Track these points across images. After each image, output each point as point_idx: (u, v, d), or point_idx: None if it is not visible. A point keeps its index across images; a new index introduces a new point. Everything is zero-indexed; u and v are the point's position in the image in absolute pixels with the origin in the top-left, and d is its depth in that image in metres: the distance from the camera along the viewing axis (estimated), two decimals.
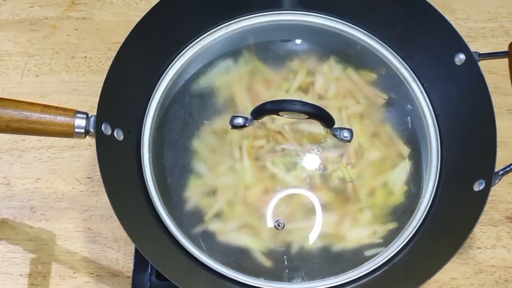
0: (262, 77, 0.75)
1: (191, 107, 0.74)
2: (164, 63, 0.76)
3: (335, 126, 0.68)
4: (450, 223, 0.70)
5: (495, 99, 0.69)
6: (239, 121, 0.69)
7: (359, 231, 0.70)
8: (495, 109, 0.69)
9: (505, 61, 0.72)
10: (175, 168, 0.72)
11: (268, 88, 0.75)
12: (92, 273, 0.82)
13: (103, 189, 0.65)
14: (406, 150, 0.73)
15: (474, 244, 0.84)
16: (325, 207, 0.70)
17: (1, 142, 0.88)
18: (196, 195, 0.71)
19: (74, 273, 0.82)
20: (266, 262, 0.69)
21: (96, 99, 0.68)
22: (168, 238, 0.70)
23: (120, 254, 0.83)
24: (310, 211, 0.70)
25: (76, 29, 0.95)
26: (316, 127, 0.71)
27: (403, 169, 0.72)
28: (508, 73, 0.71)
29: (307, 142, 0.71)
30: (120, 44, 0.70)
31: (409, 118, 0.75)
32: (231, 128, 0.70)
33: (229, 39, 0.77)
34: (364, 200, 0.71)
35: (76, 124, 0.67)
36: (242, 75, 0.75)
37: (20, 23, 0.95)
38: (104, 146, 0.67)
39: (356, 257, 0.70)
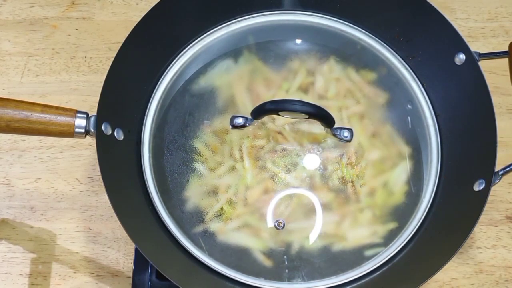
0: (262, 77, 0.75)
1: (191, 107, 0.74)
2: (164, 63, 0.76)
3: (335, 126, 0.68)
4: (450, 223, 0.70)
5: (495, 99, 0.69)
6: (239, 121, 0.69)
7: (359, 231, 0.70)
8: (495, 109, 0.69)
9: (505, 61, 0.72)
10: (175, 168, 0.72)
11: (268, 88, 0.75)
12: (93, 273, 0.82)
13: (103, 189, 0.65)
14: (406, 150, 0.73)
15: (474, 244, 0.84)
16: (325, 207, 0.70)
17: (1, 142, 0.88)
18: (196, 195, 0.71)
19: (75, 273, 0.82)
20: (266, 262, 0.69)
21: (96, 99, 0.68)
22: (168, 238, 0.70)
23: (120, 254, 0.83)
24: (310, 211, 0.70)
25: (76, 29, 0.95)
26: (316, 127, 0.71)
27: (403, 169, 0.72)
28: (508, 73, 0.71)
29: (307, 142, 0.71)
30: (120, 44, 0.70)
31: (409, 118, 0.75)
32: (231, 128, 0.70)
33: (229, 39, 0.77)
34: (364, 200, 0.71)
35: (76, 124, 0.67)
36: (242, 75, 0.75)
37: (20, 23, 0.95)
38: (104, 146, 0.67)
39: (356, 257, 0.70)
